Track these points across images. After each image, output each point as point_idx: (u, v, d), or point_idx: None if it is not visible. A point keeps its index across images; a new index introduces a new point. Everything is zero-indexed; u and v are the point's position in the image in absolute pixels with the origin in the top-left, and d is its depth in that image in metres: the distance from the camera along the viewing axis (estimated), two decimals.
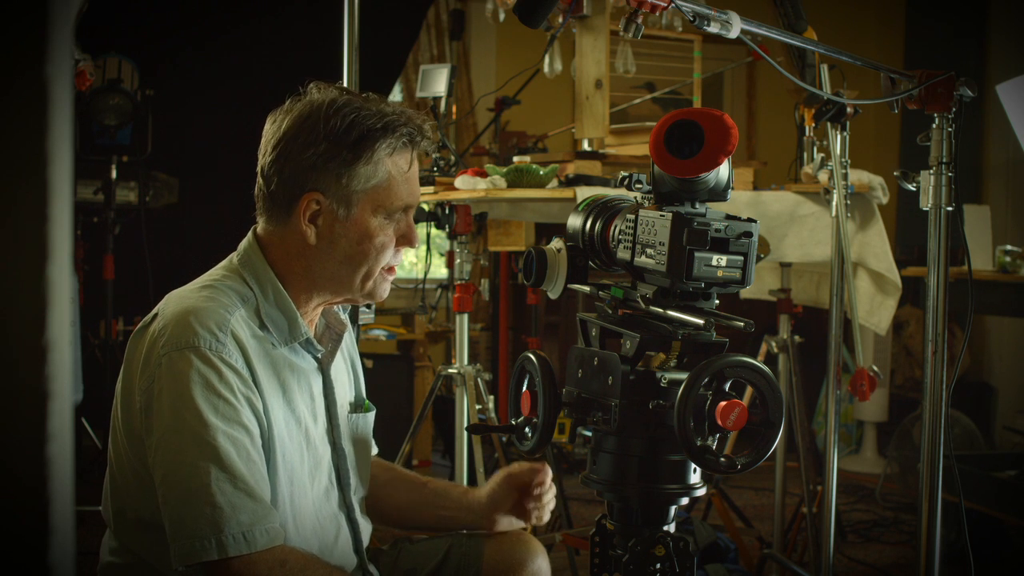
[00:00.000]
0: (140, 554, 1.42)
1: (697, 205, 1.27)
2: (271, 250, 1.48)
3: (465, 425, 2.80)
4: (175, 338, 1.34)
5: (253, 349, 1.39)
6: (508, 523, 1.70)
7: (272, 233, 1.48)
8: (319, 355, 1.52)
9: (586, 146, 2.99)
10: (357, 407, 1.64)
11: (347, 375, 1.65)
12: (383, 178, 1.44)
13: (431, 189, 2.77)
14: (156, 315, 1.41)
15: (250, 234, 1.51)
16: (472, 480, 2.80)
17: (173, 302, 1.40)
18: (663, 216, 1.24)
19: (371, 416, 1.66)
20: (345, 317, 1.61)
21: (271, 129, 1.46)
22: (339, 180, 1.42)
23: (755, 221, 1.24)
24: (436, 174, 2.89)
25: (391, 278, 1.53)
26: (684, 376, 1.20)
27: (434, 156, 3.04)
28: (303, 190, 1.43)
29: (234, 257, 1.50)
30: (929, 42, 5.89)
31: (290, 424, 1.44)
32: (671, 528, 1.34)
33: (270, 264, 1.47)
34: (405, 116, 1.47)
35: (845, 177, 2.53)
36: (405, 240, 1.51)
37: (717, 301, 1.30)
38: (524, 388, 1.49)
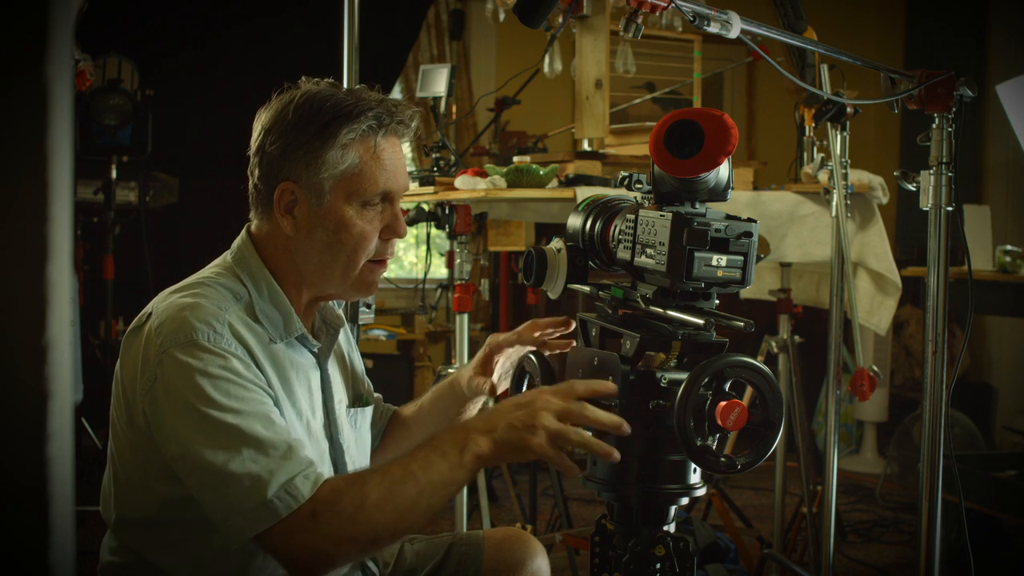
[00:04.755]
0: (141, 553, 1.41)
1: (697, 205, 1.27)
2: (264, 246, 1.48)
3: None
4: (172, 335, 1.33)
5: (251, 343, 1.39)
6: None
7: (262, 228, 1.49)
8: (315, 350, 1.52)
9: (586, 146, 2.99)
10: (355, 401, 1.64)
11: (347, 369, 1.65)
12: (352, 163, 1.42)
13: (431, 189, 2.77)
14: (150, 314, 1.40)
15: (244, 231, 1.51)
16: (472, 484, 2.80)
17: (167, 301, 1.40)
18: (663, 216, 1.24)
19: (369, 410, 1.66)
20: (340, 311, 1.61)
21: (255, 125, 1.48)
22: (308, 167, 1.42)
23: (755, 221, 1.24)
24: (436, 174, 2.89)
25: (381, 271, 1.50)
26: (684, 376, 1.20)
27: (434, 156, 3.04)
28: (277, 180, 1.44)
29: (228, 255, 1.50)
30: (929, 42, 5.89)
31: (292, 419, 1.43)
32: (671, 528, 1.34)
33: (264, 260, 1.47)
34: (375, 101, 1.45)
35: (845, 177, 2.53)
36: (390, 230, 1.47)
37: (717, 301, 1.30)
38: (524, 388, 1.49)
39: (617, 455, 1.25)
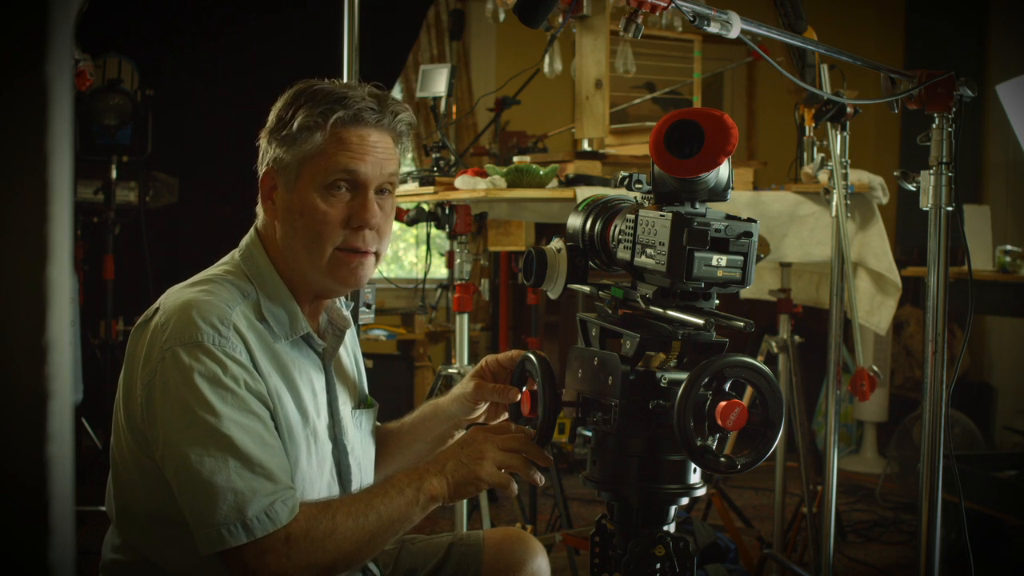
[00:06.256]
0: (144, 551, 1.42)
1: (697, 205, 1.27)
2: (267, 243, 1.50)
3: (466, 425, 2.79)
4: (178, 333, 1.34)
5: (255, 344, 1.39)
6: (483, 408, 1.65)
7: (263, 222, 1.52)
8: (320, 350, 1.52)
9: (586, 146, 2.99)
10: (360, 403, 1.64)
11: (352, 371, 1.65)
12: (316, 145, 1.43)
13: (431, 189, 2.77)
14: (157, 309, 1.41)
15: (252, 229, 1.53)
16: None
17: (174, 296, 1.41)
18: (663, 216, 1.24)
19: (374, 412, 1.66)
20: (347, 313, 1.61)
21: None
22: (282, 150, 1.46)
23: (755, 221, 1.24)
24: (436, 174, 2.89)
25: (359, 261, 1.46)
26: (684, 376, 1.20)
27: (434, 156, 3.04)
28: (264, 166, 1.49)
29: (236, 253, 1.51)
30: (929, 42, 5.89)
31: (296, 419, 1.44)
32: (671, 528, 1.34)
33: (270, 258, 1.48)
34: (350, 87, 1.48)
35: (845, 177, 2.53)
36: (356, 218, 1.44)
37: (717, 301, 1.30)
38: (524, 388, 1.49)
39: (541, 480, 1.44)
